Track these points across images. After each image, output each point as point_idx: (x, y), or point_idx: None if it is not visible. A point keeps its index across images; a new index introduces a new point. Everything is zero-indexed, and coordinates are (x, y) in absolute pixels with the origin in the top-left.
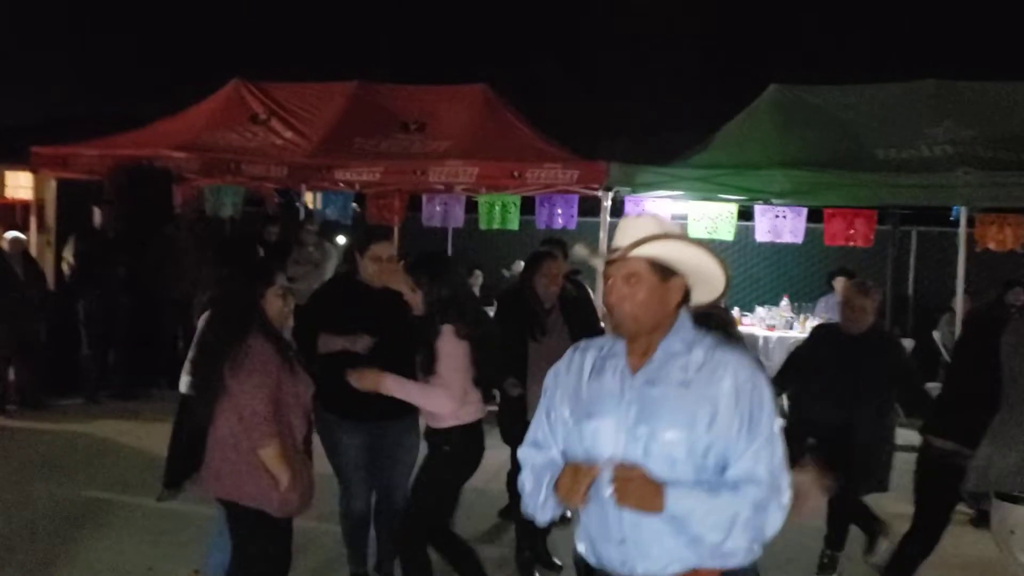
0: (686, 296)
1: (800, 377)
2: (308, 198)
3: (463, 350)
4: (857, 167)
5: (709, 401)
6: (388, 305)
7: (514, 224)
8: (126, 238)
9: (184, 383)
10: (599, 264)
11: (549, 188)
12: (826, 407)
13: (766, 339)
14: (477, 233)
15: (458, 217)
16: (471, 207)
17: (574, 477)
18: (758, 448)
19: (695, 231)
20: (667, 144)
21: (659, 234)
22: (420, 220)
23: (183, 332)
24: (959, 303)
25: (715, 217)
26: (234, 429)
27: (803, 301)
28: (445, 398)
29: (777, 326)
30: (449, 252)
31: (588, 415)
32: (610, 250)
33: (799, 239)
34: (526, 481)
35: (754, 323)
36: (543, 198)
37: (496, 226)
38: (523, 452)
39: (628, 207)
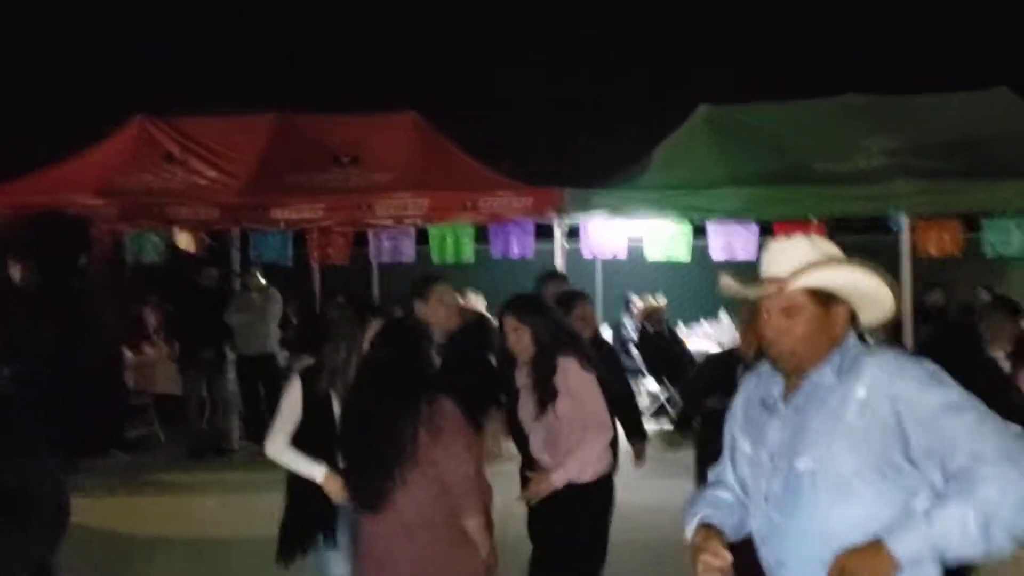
0: (853, 320)
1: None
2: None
3: (594, 382)
4: (801, 181)
5: (842, 418)
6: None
7: (469, 255)
8: (47, 294)
9: (275, 450)
10: (751, 296)
11: (502, 216)
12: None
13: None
14: (428, 267)
15: (409, 251)
16: (420, 240)
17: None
18: (957, 429)
19: (652, 252)
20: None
21: (819, 260)
22: (365, 256)
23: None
24: (906, 307)
25: (670, 237)
26: (432, 504)
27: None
28: (604, 438)
29: (722, 340)
30: (375, 290)
31: (745, 444)
32: (763, 280)
33: (752, 255)
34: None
35: (700, 338)
36: (497, 227)
37: (450, 258)
38: (709, 476)
39: (583, 231)
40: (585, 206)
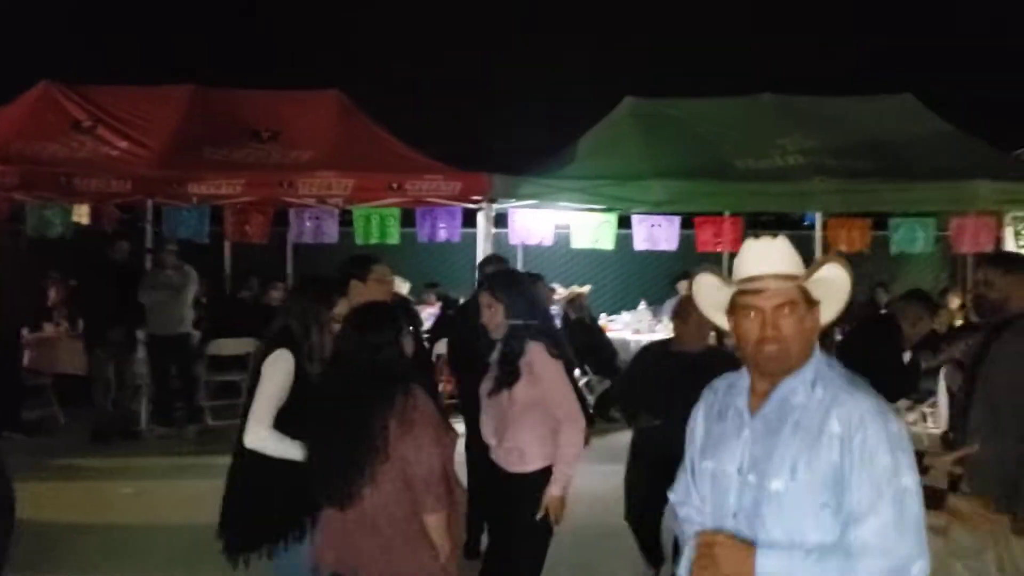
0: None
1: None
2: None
3: (561, 370)
4: (723, 177)
5: (817, 447)
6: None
7: (395, 238)
8: None
9: (258, 438)
10: (728, 292)
11: (429, 200)
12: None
13: (637, 342)
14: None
15: (332, 232)
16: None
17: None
18: (881, 509)
19: (578, 241)
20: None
21: (824, 259)
22: (285, 236)
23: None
24: None
25: (596, 227)
26: (396, 498)
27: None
28: (579, 429)
29: (641, 329)
30: (289, 270)
31: (707, 459)
32: (754, 277)
33: (674, 246)
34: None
35: (620, 328)
36: (424, 210)
37: (375, 240)
38: (672, 498)
39: (510, 218)
40: (514, 193)
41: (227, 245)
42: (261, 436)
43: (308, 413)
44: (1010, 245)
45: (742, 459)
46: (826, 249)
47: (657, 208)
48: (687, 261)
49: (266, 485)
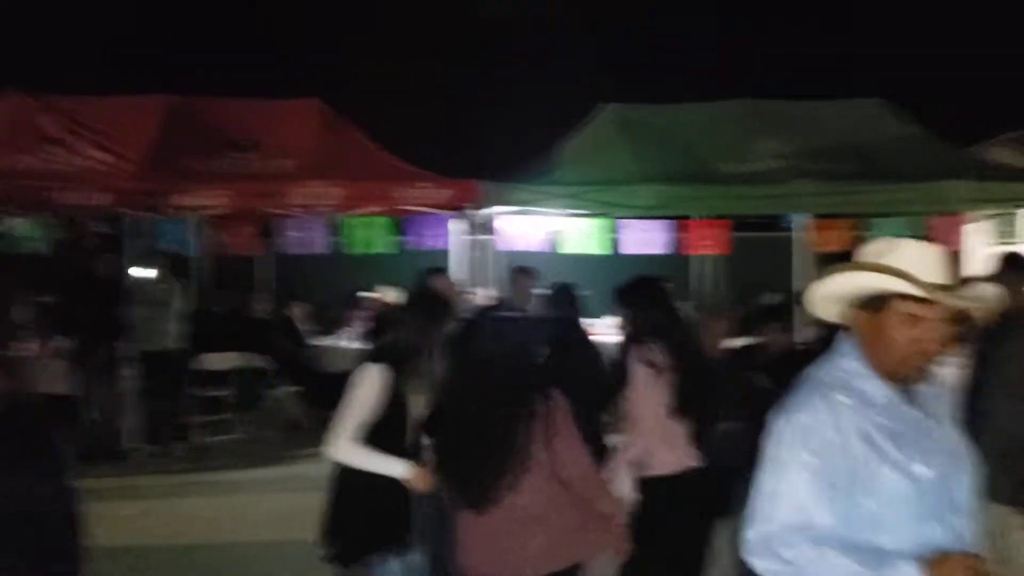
0: None
1: None
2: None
3: (653, 380)
4: (709, 181)
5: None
6: None
7: (387, 246)
8: None
9: (339, 449)
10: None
11: (419, 208)
12: None
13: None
14: (340, 258)
15: (321, 242)
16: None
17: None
18: None
19: (568, 246)
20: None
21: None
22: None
23: None
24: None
25: (588, 232)
26: (548, 500)
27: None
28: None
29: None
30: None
31: (876, 475)
32: (945, 286)
33: (663, 250)
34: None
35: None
36: (414, 218)
37: (365, 250)
38: (769, 545)
39: (497, 225)
40: (505, 200)
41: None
42: (341, 448)
43: (442, 423)
44: (984, 244)
45: (938, 458)
46: (809, 249)
47: (646, 212)
48: (675, 264)
49: (364, 496)
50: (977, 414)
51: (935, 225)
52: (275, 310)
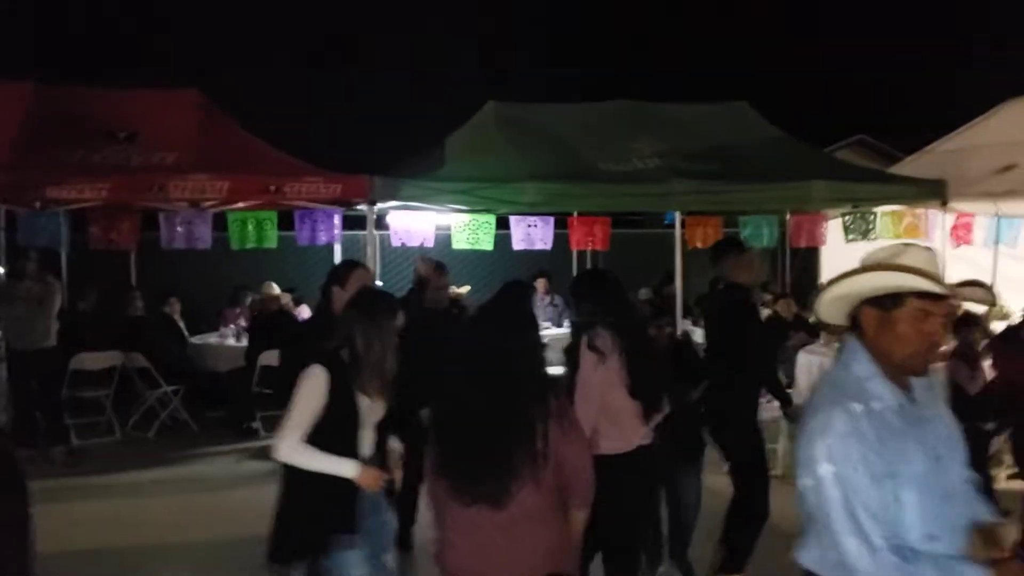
0: None
1: None
2: None
3: (600, 365)
4: (589, 179)
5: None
6: None
7: (272, 242)
8: None
9: (285, 450)
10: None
11: (309, 203)
12: None
13: None
14: (228, 253)
15: (205, 237)
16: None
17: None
18: None
19: (458, 242)
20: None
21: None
22: (157, 242)
23: None
24: (679, 295)
25: (476, 228)
26: (551, 495)
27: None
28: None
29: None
30: (133, 277)
31: (905, 467)
32: (944, 287)
33: (549, 246)
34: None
35: None
36: (303, 213)
37: (251, 245)
38: (886, 556)
39: (390, 220)
40: (395, 195)
41: (64, 255)
42: (286, 448)
43: (450, 420)
44: (839, 240)
45: (938, 447)
46: (685, 246)
47: (532, 209)
48: (561, 259)
49: (304, 495)
50: None
51: (797, 222)
52: (152, 307)
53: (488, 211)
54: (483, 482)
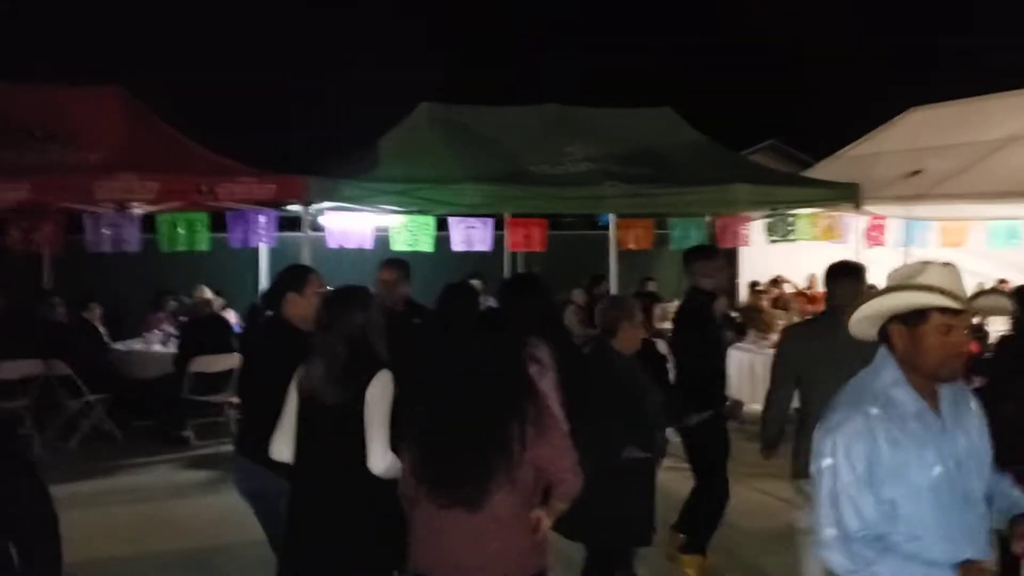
0: None
1: None
2: None
3: (538, 376)
4: (526, 181)
5: (978, 421)
6: None
7: (204, 244)
8: None
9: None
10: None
11: (242, 204)
12: None
13: None
14: (152, 257)
15: (133, 239)
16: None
17: None
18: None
19: (397, 243)
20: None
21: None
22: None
23: None
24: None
25: (416, 229)
26: (525, 497)
27: None
28: None
29: None
30: (45, 281)
31: (920, 472)
32: (965, 301)
33: (488, 247)
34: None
35: None
36: (236, 215)
37: (182, 248)
38: (843, 544)
39: (327, 221)
40: (331, 196)
41: None
42: (389, 461)
43: (420, 421)
44: (761, 241)
45: (959, 454)
46: (618, 247)
47: (472, 210)
48: (500, 261)
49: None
50: None
51: (722, 224)
52: (72, 312)
53: (425, 213)
54: (462, 484)
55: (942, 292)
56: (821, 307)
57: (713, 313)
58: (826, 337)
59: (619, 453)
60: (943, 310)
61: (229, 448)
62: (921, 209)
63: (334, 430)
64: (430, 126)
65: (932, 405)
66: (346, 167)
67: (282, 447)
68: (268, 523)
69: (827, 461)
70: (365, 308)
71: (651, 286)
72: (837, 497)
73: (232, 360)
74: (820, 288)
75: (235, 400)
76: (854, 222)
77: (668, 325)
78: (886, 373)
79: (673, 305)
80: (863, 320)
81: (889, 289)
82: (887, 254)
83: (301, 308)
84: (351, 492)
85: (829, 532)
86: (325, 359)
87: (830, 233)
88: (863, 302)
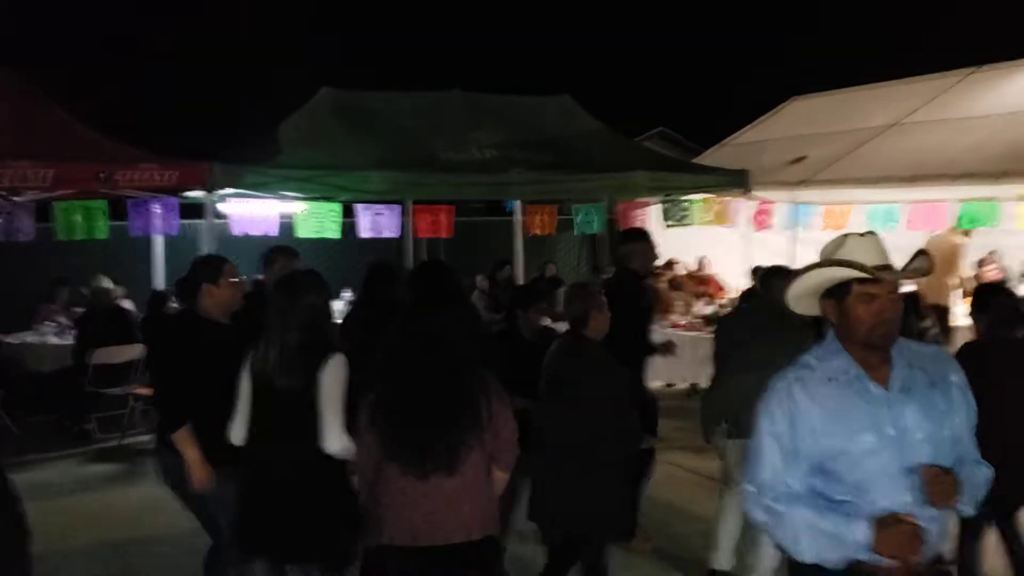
0: None
1: None
2: None
3: None
4: (432, 168)
5: (950, 395)
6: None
7: (103, 233)
8: None
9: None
10: (836, 278)
11: (143, 191)
12: None
13: None
14: (55, 245)
15: (27, 229)
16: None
17: (910, 536)
18: (971, 432)
19: (303, 230)
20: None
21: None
22: None
23: None
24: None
25: (322, 216)
26: (487, 463)
27: None
28: None
29: None
30: None
31: (851, 438)
32: (879, 267)
33: (396, 233)
34: (790, 529)
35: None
36: (137, 202)
37: (80, 236)
38: (757, 498)
39: (229, 208)
40: (236, 183)
41: None
42: (344, 442)
43: (386, 401)
44: (658, 224)
45: (898, 425)
46: (525, 232)
47: (377, 197)
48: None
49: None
50: None
51: (622, 210)
52: None
53: (331, 199)
54: (435, 452)
55: (852, 265)
56: (711, 288)
57: (648, 293)
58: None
59: (639, 443)
60: (861, 280)
61: (134, 440)
62: (806, 194)
63: (287, 414)
64: (332, 111)
65: (877, 375)
66: (247, 153)
67: (238, 431)
68: (200, 511)
69: (758, 423)
70: (317, 293)
71: (551, 270)
72: (756, 453)
73: (135, 351)
74: (709, 271)
75: (140, 391)
76: (743, 207)
77: None
78: (825, 345)
79: None
80: (799, 298)
81: (812, 266)
82: (774, 237)
83: (217, 298)
84: (305, 474)
85: (747, 488)
86: (278, 344)
87: (721, 218)
88: (791, 282)
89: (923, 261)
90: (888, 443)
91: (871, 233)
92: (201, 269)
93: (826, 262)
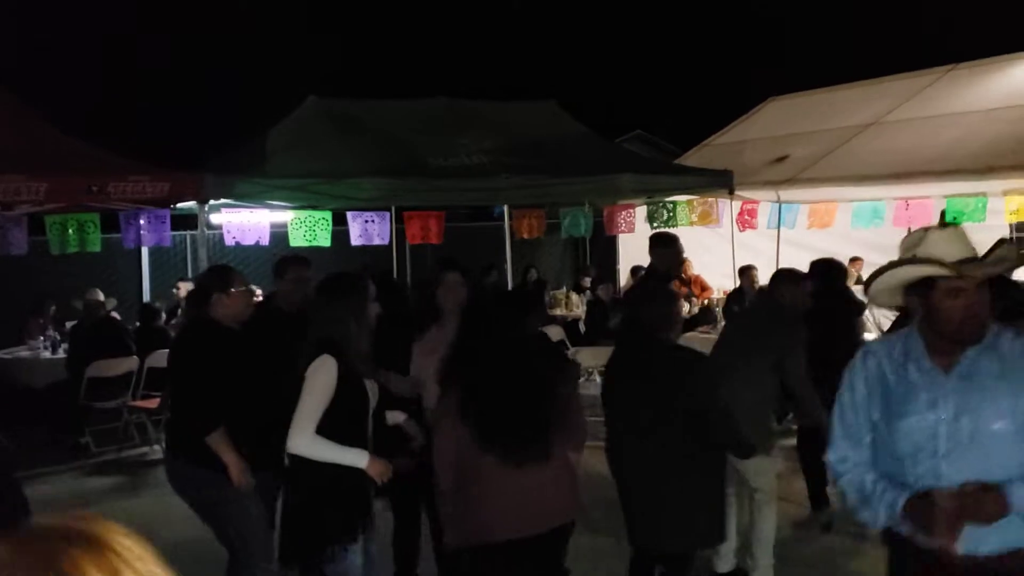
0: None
1: None
2: None
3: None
4: (422, 174)
5: (1018, 390)
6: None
7: (96, 246)
8: None
9: (310, 442)
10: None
11: (135, 203)
12: None
13: None
14: (47, 258)
15: (20, 243)
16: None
17: (936, 517)
18: None
19: (295, 239)
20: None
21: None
22: None
23: None
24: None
25: (313, 224)
26: (566, 452)
27: None
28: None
29: None
30: None
31: (900, 415)
32: (963, 260)
33: (387, 240)
34: (849, 492)
35: None
36: (129, 214)
37: (73, 249)
38: (838, 463)
39: (224, 218)
40: (227, 193)
41: None
42: (303, 441)
43: (482, 399)
44: (644, 227)
45: (946, 411)
46: (513, 236)
47: (369, 204)
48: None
49: (317, 488)
50: None
51: (610, 212)
52: None
53: (321, 208)
54: (531, 442)
55: (933, 261)
56: (694, 289)
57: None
58: None
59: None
60: (944, 276)
61: (131, 453)
62: (790, 193)
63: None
64: (320, 119)
65: (943, 361)
66: (235, 162)
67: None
68: (213, 521)
69: (840, 395)
70: (328, 295)
71: (532, 274)
72: (839, 416)
73: (130, 363)
74: (694, 271)
75: (137, 404)
76: (727, 207)
77: (559, 312)
78: (906, 331)
79: (561, 292)
80: (881, 292)
81: (894, 263)
82: (758, 237)
83: (228, 307)
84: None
85: (830, 458)
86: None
87: (706, 218)
88: (873, 279)
89: (1009, 250)
90: (936, 425)
91: (953, 224)
92: (211, 279)
93: (908, 260)
